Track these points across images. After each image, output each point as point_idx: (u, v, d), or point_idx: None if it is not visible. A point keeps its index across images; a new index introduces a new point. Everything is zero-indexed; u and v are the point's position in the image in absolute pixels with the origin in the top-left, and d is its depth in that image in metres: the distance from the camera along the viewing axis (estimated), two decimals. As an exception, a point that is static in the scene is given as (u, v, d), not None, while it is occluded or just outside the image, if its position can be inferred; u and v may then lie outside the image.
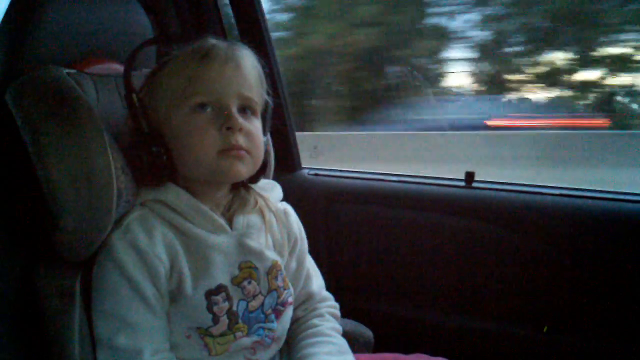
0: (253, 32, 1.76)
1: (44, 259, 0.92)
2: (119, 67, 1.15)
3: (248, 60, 1.00)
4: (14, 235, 0.91)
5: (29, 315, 0.89)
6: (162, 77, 0.97)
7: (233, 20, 1.83)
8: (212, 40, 0.98)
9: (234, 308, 0.97)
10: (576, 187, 1.67)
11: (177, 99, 0.94)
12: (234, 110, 0.95)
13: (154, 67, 1.01)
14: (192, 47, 0.97)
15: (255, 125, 1.00)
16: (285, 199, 1.17)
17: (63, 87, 0.90)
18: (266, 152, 1.04)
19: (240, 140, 0.95)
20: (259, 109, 1.02)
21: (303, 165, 2.02)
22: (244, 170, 0.97)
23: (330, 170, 1.99)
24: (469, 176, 1.76)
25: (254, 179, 1.06)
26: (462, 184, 1.76)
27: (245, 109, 0.98)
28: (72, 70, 1.01)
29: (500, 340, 1.63)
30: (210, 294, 0.95)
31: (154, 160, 0.93)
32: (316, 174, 1.96)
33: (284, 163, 1.90)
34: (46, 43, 1.02)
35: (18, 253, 0.91)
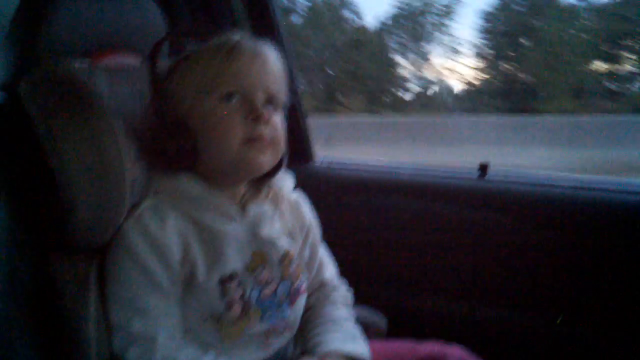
0: (265, 26, 1.77)
1: (60, 247, 0.93)
2: (131, 59, 1.16)
3: (273, 57, 1.02)
4: (29, 224, 0.92)
5: (46, 303, 0.91)
6: (187, 68, 0.98)
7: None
8: (238, 35, 1.00)
9: (247, 295, 0.98)
10: (592, 179, 1.66)
11: (204, 89, 0.95)
12: (260, 102, 0.97)
13: (178, 58, 1.02)
14: (218, 40, 0.99)
15: (279, 119, 1.02)
16: (299, 189, 1.18)
17: (74, 79, 0.92)
18: None
19: (265, 131, 0.96)
20: (281, 105, 1.04)
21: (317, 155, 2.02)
22: (266, 162, 0.99)
23: (344, 161, 1.99)
24: (483, 168, 1.75)
25: (271, 174, 1.07)
26: (477, 175, 1.75)
27: (269, 102, 1.00)
28: (85, 62, 1.02)
29: (514, 329, 1.62)
30: (223, 281, 0.96)
31: (179, 149, 0.95)
32: (329, 165, 1.96)
33: (297, 154, 1.91)
34: (59, 36, 1.02)
35: (34, 241, 0.92)
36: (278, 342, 1.06)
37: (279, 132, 1.00)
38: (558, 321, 1.57)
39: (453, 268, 1.71)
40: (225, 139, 0.95)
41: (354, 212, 1.84)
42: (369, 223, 1.82)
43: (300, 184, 1.18)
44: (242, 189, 1.06)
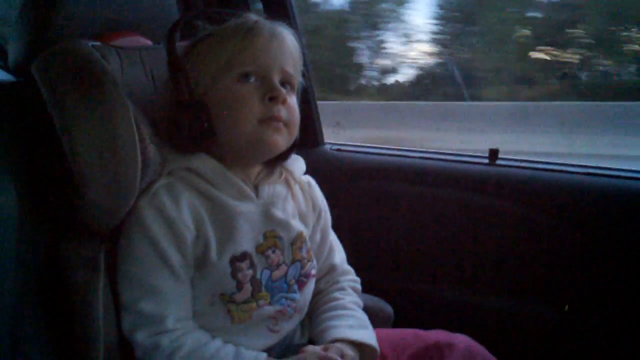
0: (279, 8, 1.76)
1: (69, 230, 0.94)
2: (143, 41, 1.16)
3: (290, 38, 1.02)
4: (39, 206, 0.92)
5: (54, 286, 0.91)
6: (205, 48, 0.99)
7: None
8: (254, 16, 1.01)
9: (258, 276, 0.99)
10: (603, 166, 1.64)
11: (222, 69, 0.96)
12: (277, 82, 0.97)
13: (195, 39, 1.02)
14: (236, 21, 0.99)
15: (294, 101, 1.03)
16: (308, 174, 1.18)
17: (88, 59, 0.91)
18: None
19: (282, 111, 0.97)
20: (296, 86, 1.05)
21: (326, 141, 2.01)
22: (282, 142, 0.99)
23: (353, 145, 1.98)
24: (493, 153, 1.74)
25: (284, 155, 1.07)
26: (486, 161, 1.74)
27: (285, 84, 1.00)
28: (97, 43, 1.01)
29: (520, 318, 1.62)
30: (234, 260, 0.96)
31: (196, 128, 0.95)
32: (339, 149, 1.95)
33: (307, 138, 1.90)
34: (71, 16, 1.02)
35: (43, 224, 0.92)
36: (287, 327, 1.06)
37: (294, 114, 1.01)
38: (565, 308, 1.57)
39: (460, 255, 1.70)
40: (242, 119, 0.95)
41: (362, 197, 1.83)
42: (377, 209, 1.82)
43: (309, 168, 1.18)
44: (255, 170, 1.06)
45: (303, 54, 1.08)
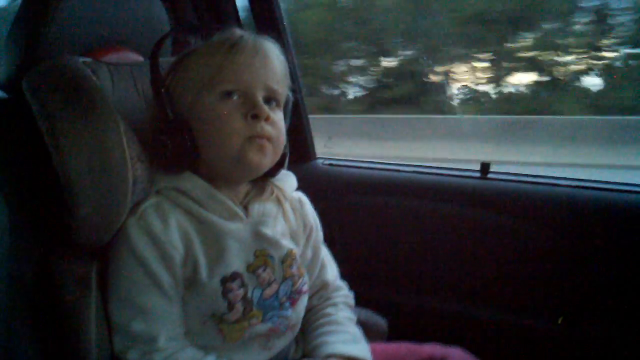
0: (270, 23, 1.76)
1: (61, 246, 0.93)
2: (134, 56, 1.16)
3: (275, 53, 1.01)
4: (30, 223, 0.92)
5: (46, 303, 0.90)
6: (188, 65, 0.98)
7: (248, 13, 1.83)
8: (239, 32, 0.99)
9: (249, 295, 0.98)
10: (593, 179, 1.65)
11: (205, 86, 0.95)
12: (260, 99, 0.96)
13: (179, 55, 1.01)
14: (220, 37, 0.98)
15: (279, 117, 1.01)
16: (300, 189, 1.17)
17: (79, 75, 0.91)
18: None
19: (266, 129, 0.95)
20: (282, 101, 1.03)
21: (318, 155, 2.02)
22: (266, 161, 0.98)
23: (345, 160, 1.98)
24: (485, 167, 1.74)
25: (272, 172, 1.06)
26: (478, 174, 1.74)
27: (270, 100, 0.99)
28: (88, 59, 1.01)
29: (514, 331, 1.62)
30: (225, 280, 0.95)
31: (179, 146, 0.94)
32: (331, 164, 1.95)
33: (299, 153, 1.90)
34: (62, 32, 1.02)
35: (35, 241, 0.92)
36: (280, 344, 1.05)
37: (279, 131, 0.99)
38: (559, 321, 1.57)
39: (453, 269, 1.70)
40: (225, 137, 0.94)
41: (354, 212, 1.83)
42: (370, 223, 1.82)
43: (302, 184, 1.17)
44: (245, 187, 1.05)
45: (293, 68, 1.08)
